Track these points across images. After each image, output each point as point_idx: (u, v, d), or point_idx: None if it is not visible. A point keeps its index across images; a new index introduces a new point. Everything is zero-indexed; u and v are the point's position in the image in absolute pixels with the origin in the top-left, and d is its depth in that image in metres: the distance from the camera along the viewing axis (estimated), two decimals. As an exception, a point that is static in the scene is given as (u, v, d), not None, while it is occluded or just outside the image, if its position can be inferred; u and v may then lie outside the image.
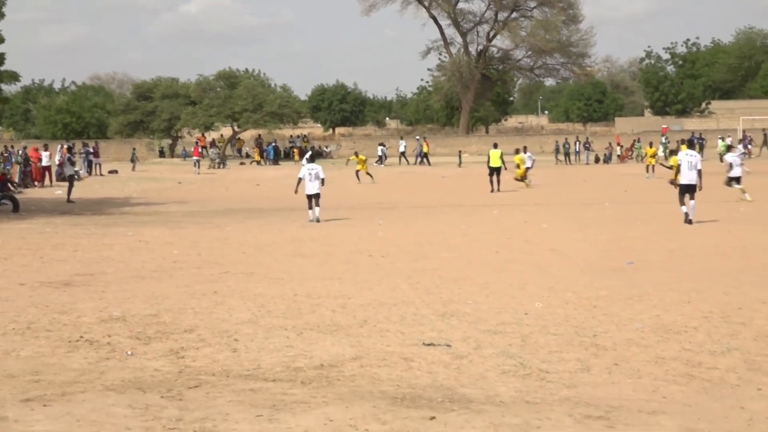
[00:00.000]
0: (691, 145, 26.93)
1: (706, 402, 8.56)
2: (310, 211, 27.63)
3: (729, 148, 47.53)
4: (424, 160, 71.56)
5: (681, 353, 10.29)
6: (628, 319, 12.14)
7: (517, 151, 44.94)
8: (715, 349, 10.48)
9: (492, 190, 40.75)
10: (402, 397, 8.56)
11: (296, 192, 28.58)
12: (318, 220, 27.10)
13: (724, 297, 13.68)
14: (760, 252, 19.20)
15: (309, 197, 27.74)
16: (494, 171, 41.50)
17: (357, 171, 50.15)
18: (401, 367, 9.77)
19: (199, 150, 71.30)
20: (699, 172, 25.14)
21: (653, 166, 49.21)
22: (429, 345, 10.67)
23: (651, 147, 52.90)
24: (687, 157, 25.40)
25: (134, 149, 73.95)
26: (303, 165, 29.04)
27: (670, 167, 31.38)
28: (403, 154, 73.75)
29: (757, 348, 10.52)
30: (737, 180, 30.89)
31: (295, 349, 10.59)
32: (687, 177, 25.12)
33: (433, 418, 7.86)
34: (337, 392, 8.78)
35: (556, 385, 9.09)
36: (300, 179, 28.04)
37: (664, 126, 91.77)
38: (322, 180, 27.83)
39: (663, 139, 75.73)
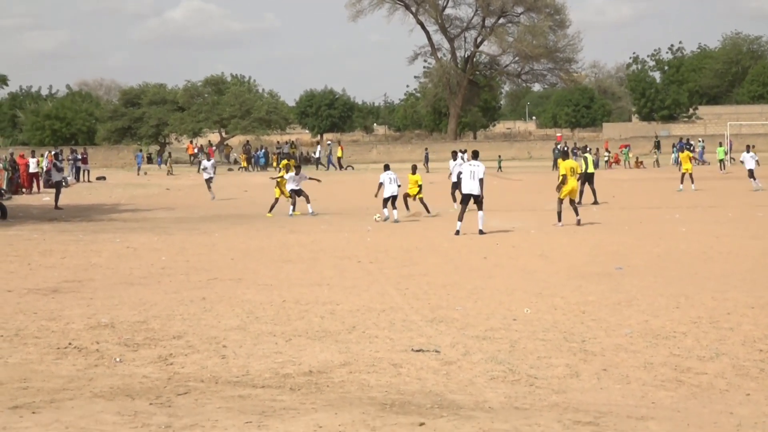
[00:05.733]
0: (475, 156, 25.68)
1: (695, 407, 8.57)
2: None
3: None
4: (338, 165, 73.04)
5: (670, 358, 10.30)
6: (616, 324, 12.15)
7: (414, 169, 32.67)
8: (703, 354, 10.50)
9: (595, 202, 35.29)
10: (391, 404, 8.55)
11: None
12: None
13: (712, 302, 13.70)
14: (746, 257, 19.23)
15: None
16: (589, 178, 35.45)
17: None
18: (390, 373, 9.76)
19: (213, 151, 72.18)
20: (480, 181, 24.45)
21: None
22: (418, 351, 10.67)
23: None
24: (469, 167, 24.88)
25: (169, 152, 74.16)
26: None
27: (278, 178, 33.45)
28: (318, 159, 74.72)
29: (745, 353, 10.54)
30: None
31: (284, 355, 10.57)
32: (468, 186, 24.58)
33: (422, 424, 7.85)
34: (326, 399, 8.77)
35: (545, 390, 9.09)
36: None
37: (559, 134, 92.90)
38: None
39: (558, 147, 76.39)
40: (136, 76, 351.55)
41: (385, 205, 29.80)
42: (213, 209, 36.84)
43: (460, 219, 24.67)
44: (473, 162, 25.15)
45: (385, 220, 29.48)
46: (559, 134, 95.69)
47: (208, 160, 44.77)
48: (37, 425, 7.88)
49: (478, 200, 24.61)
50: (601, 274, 17.03)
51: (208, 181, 43.21)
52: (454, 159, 35.34)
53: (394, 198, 29.72)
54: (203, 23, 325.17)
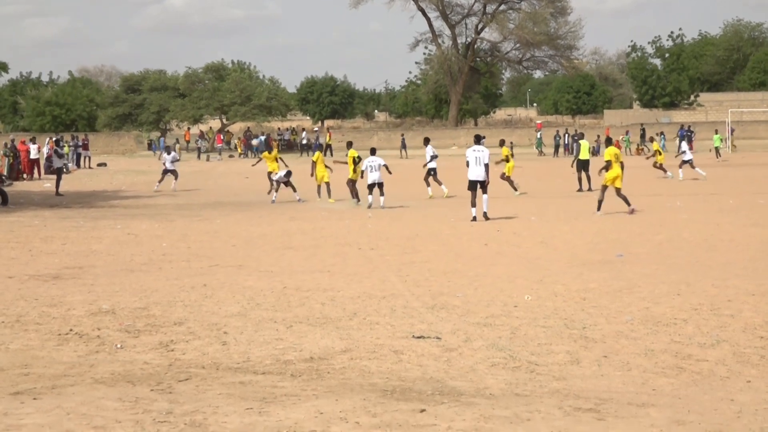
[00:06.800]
0: (478, 140, 25.53)
1: (696, 394, 8.58)
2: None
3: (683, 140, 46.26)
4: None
5: (670, 345, 10.31)
6: (617, 311, 12.16)
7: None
8: (704, 341, 10.50)
9: (580, 189, 35.84)
10: (392, 390, 8.56)
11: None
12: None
13: (713, 289, 13.71)
14: (748, 245, 19.23)
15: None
16: (583, 165, 35.90)
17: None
18: (391, 359, 9.77)
19: (221, 138, 72.47)
20: (486, 166, 24.54)
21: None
22: (419, 338, 10.67)
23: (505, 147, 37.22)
24: (474, 153, 24.77)
25: (176, 138, 74.02)
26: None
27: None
28: (304, 145, 75.00)
29: (746, 340, 10.54)
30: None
31: (285, 342, 10.58)
32: (474, 173, 24.56)
33: (423, 410, 7.86)
34: (327, 385, 8.77)
35: (546, 377, 9.10)
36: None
37: (539, 122, 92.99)
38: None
39: (538, 135, 76.43)
40: (137, 63, 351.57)
41: (370, 192, 29.86)
42: (214, 196, 36.84)
43: (473, 205, 24.69)
44: (477, 147, 25.04)
45: (369, 206, 29.51)
46: (539, 121, 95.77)
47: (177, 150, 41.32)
48: (38, 411, 7.88)
49: (484, 185, 24.63)
50: (602, 262, 17.04)
51: (173, 172, 40.39)
52: (426, 145, 35.64)
53: (380, 185, 29.78)
54: (204, 10, 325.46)
